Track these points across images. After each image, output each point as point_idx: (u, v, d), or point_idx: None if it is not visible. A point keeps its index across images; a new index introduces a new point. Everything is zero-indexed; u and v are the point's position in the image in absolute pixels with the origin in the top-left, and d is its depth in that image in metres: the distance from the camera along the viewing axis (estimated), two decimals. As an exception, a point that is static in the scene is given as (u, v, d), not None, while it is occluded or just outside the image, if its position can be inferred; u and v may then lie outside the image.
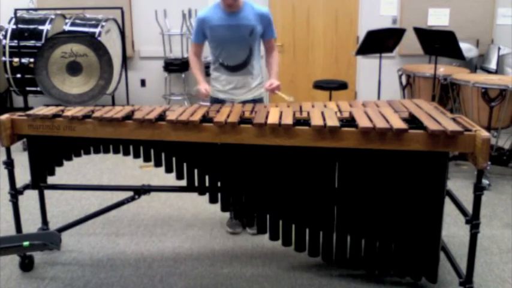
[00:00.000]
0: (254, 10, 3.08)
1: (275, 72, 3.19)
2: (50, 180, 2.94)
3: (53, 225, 3.25)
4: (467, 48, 5.41)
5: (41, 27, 5.29)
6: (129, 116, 2.63)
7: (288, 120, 2.48)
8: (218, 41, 3.10)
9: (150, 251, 3.10)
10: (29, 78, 5.16)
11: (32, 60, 5.13)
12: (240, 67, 3.15)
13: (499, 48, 5.45)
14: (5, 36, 5.23)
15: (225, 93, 3.22)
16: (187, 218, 3.57)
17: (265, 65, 3.28)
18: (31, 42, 5.23)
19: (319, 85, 5.06)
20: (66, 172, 4.42)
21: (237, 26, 3.04)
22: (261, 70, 3.28)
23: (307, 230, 2.65)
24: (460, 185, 4.10)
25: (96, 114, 2.65)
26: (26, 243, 2.55)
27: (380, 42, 4.80)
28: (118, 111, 2.69)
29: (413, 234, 2.53)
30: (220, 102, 3.15)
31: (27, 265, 2.87)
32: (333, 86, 5.02)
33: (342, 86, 5.02)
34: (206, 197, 2.76)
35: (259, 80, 3.26)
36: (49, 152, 2.78)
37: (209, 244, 3.19)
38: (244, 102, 3.07)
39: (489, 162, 4.05)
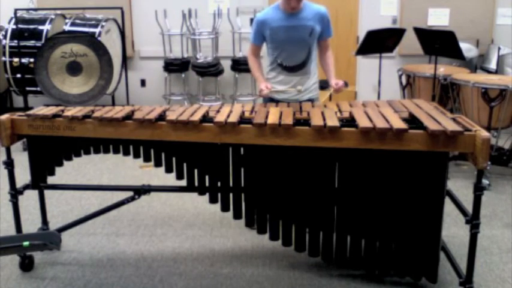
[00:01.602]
0: (313, 10, 3.08)
1: (333, 71, 3.21)
2: (50, 180, 2.94)
3: (53, 225, 3.25)
4: (467, 48, 5.41)
5: (41, 27, 5.29)
6: (129, 116, 2.63)
7: (288, 120, 2.48)
8: (278, 42, 3.11)
9: (150, 251, 3.10)
10: (29, 78, 5.16)
11: (32, 60, 5.13)
12: (298, 67, 3.17)
13: (499, 48, 5.45)
14: (5, 36, 5.23)
15: (281, 93, 3.21)
16: (187, 218, 3.57)
17: (321, 64, 3.28)
18: (31, 42, 5.23)
19: (319, 85, 5.05)
20: (66, 172, 4.42)
21: (297, 26, 3.05)
22: (316, 69, 3.28)
23: (307, 230, 2.65)
24: (460, 185, 4.10)
25: (96, 114, 2.65)
26: (26, 243, 2.55)
27: (380, 42, 4.80)
28: (118, 111, 2.69)
29: (414, 234, 2.53)
30: (276, 102, 3.12)
31: (27, 265, 2.87)
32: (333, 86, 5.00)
33: (342, 86, 5.01)
34: (206, 197, 2.76)
35: (315, 80, 3.29)
36: (49, 152, 2.78)
37: (209, 244, 3.19)
38: (300, 102, 3.07)
39: (489, 162, 4.06)
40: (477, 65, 5.73)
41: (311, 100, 3.23)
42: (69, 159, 2.81)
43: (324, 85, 5.05)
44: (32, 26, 5.29)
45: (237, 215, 2.74)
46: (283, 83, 3.20)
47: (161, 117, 2.61)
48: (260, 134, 2.48)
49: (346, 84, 3.02)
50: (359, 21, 6.10)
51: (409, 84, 4.89)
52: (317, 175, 2.55)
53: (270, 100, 3.20)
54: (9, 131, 2.69)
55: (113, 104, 5.79)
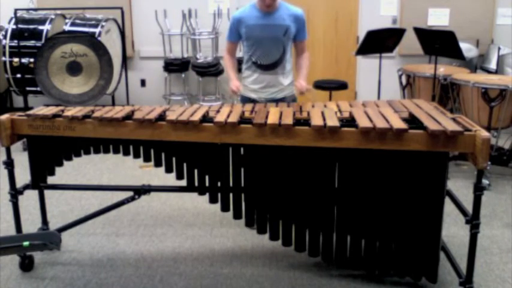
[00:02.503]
0: (289, 11, 3.15)
1: (304, 74, 3.23)
2: (50, 180, 2.93)
3: (53, 225, 3.25)
4: (467, 48, 5.41)
5: (41, 27, 5.29)
6: (129, 116, 2.63)
7: (288, 120, 2.48)
8: (253, 40, 3.16)
9: (150, 251, 3.10)
10: (29, 78, 5.16)
11: (32, 60, 5.13)
12: (272, 66, 3.21)
13: (499, 48, 5.45)
14: (5, 36, 5.23)
15: (255, 92, 3.27)
16: (187, 218, 3.57)
17: (295, 66, 3.31)
18: (31, 42, 5.22)
19: (319, 85, 5.06)
20: (66, 172, 4.42)
21: (272, 25, 3.11)
22: (292, 70, 3.32)
23: (307, 230, 2.65)
24: (460, 185, 4.10)
25: (96, 114, 2.65)
26: (26, 243, 2.55)
27: (380, 42, 4.80)
28: (118, 111, 2.69)
29: (414, 234, 2.53)
30: (252, 101, 3.19)
31: (27, 265, 2.87)
32: (333, 86, 5.02)
33: (342, 86, 5.02)
34: (206, 197, 2.76)
35: (290, 79, 3.30)
36: (49, 152, 2.78)
37: (209, 244, 3.19)
38: (276, 101, 3.12)
39: (489, 162, 4.06)
40: (477, 65, 5.73)
41: (286, 99, 3.25)
42: (69, 159, 2.81)
43: (321, 84, 5.06)
44: (32, 26, 5.29)
45: (237, 215, 2.74)
46: (258, 81, 3.25)
47: (161, 117, 2.61)
48: (260, 134, 2.48)
49: (308, 89, 3.07)
50: (359, 21, 6.10)
51: (409, 84, 4.89)
52: (317, 175, 2.55)
53: (246, 99, 3.26)
54: (9, 131, 2.69)
55: (113, 104, 5.79)
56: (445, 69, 4.69)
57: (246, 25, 3.15)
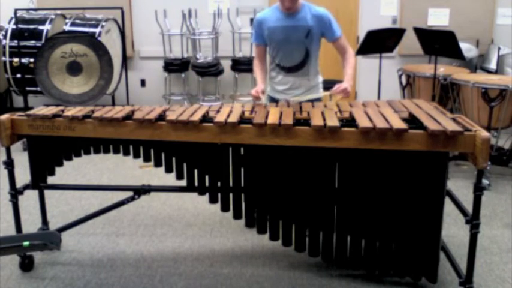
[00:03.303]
0: (311, 11, 3.07)
1: (349, 74, 3.12)
2: (50, 180, 2.93)
3: (53, 225, 3.25)
4: (467, 48, 5.41)
5: (41, 27, 5.29)
6: (129, 116, 2.63)
7: (288, 120, 2.48)
8: (275, 42, 3.12)
9: (150, 251, 3.10)
10: (29, 78, 5.16)
11: (32, 60, 5.13)
12: (296, 68, 3.16)
13: (499, 48, 5.45)
14: (5, 36, 5.23)
15: (280, 94, 3.23)
16: (187, 218, 3.57)
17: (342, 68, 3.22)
18: (31, 42, 5.23)
19: (323, 85, 5.05)
20: (66, 172, 4.42)
21: (293, 27, 3.05)
22: (319, 72, 3.28)
23: (307, 230, 2.65)
24: (460, 185, 4.10)
25: (96, 114, 2.65)
26: (26, 243, 2.55)
27: (380, 42, 4.79)
28: (118, 111, 2.69)
29: (413, 234, 2.53)
30: (277, 101, 3.13)
31: (27, 265, 2.87)
32: (333, 86, 5.00)
33: (342, 86, 5.01)
34: (206, 197, 2.76)
35: (316, 82, 3.27)
36: (49, 152, 2.78)
37: (209, 244, 3.19)
38: (300, 103, 3.05)
39: (489, 162, 4.06)
40: (477, 65, 5.73)
41: (312, 101, 3.22)
42: (69, 159, 2.81)
43: (327, 85, 5.06)
44: (32, 26, 5.29)
45: (237, 215, 2.74)
46: (282, 83, 3.21)
47: (161, 117, 2.61)
48: (260, 134, 2.48)
49: (345, 91, 2.96)
50: (359, 21, 6.10)
51: (409, 84, 4.89)
52: (317, 175, 2.55)
53: (271, 99, 3.22)
54: (9, 131, 2.69)
55: (113, 104, 5.79)
56: (445, 69, 4.69)
57: (268, 27, 3.09)
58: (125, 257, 3.04)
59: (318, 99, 3.25)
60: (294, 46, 3.09)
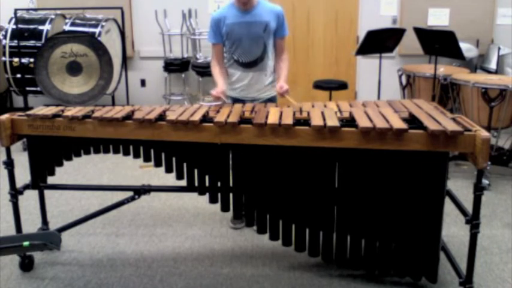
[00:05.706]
0: (268, 7, 3.16)
1: (284, 75, 3.21)
2: (50, 180, 2.94)
3: (53, 225, 3.25)
4: (467, 48, 5.41)
5: (41, 27, 5.29)
6: (129, 116, 2.63)
7: (288, 120, 2.48)
8: (233, 38, 3.16)
9: (150, 251, 3.10)
10: (29, 78, 5.16)
11: (32, 60, 5.12)
12: (254, 63, 3.20)
13: (499, 48, 5.45)
14: (5, 36, 5.23)
15: (239, 92, 3.26)
16: (187, 218, 3.57)
17: (275, 68, 3.29)
18: (31, 42, 5.22)
19: (319, 85, 5.06)
20: (66, 172, 4.42)
21: (251, 22, 3.11)
22: (273, 69, 3.31)
23: (307, 230, 2.65)
24: (460, 185, 4.10)
25: (96, 114, 2.65)
26: (26, 243, 2.55)
27: (380, 42, 4.80)
28: (118, 111, 2.69)
29: (413, 234, 2.53)
30: (236, 101, 3.19)
31: (27, 265, 2.87)
32: (333, 86, 5.02)
33: (342, 86, 5.02)
34: (206, 197, 2.76)
35: (272, 79, 3.30)
36: (49, 152, 2.78)
37: (209, 244, 3.19)
38: (256, 101, 3.10)
39: (489, 162, 4.06)
40: (477, 65, 5.72)
41: (268, 100, 3.25)
42: (69, 159, 2.81)
43: (321, 84, 5.06)
44: (32, 26, 5.29)
45: (237, 215, 2.74)
46: (240, 79, 3.24)
47: (161, 117, 2.61)
48: (260, 134, 2.48)
49: (287, 92, 3.05)
50: (359, 21, 6.10)
51: (409, 84, 4.89)
52: (317, 175, 2.55)
53: (232, 99, 3.25)
54: (9, 131, 2.69)
55: (113, 104, 5.78)
56: (445, 69, 4.69)
57: (225, 24, 3.13)
58: (125, 257, 3.04)
59: (273, 99, 3.29)
60: (252, 41, 3.14)
